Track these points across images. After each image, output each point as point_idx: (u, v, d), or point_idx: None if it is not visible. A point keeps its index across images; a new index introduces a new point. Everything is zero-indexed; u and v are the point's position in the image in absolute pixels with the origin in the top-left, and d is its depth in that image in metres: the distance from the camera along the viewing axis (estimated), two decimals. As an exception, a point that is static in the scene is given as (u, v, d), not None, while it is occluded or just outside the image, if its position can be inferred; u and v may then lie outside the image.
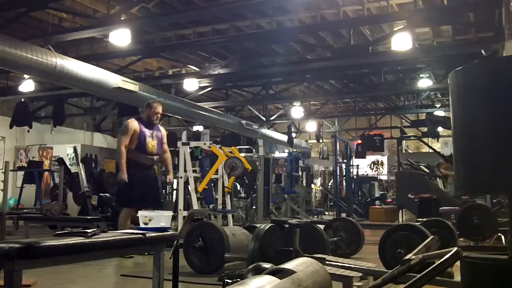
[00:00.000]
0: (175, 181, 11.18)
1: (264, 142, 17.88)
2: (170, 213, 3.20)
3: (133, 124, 5.58)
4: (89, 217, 7.03)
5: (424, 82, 11.75)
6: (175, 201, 9.64)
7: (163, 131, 5.99)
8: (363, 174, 17.71)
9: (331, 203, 16.27)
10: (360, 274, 3.45)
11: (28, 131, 13.03)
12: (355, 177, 15.48)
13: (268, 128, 16.46)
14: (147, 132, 5.61)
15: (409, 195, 9.23)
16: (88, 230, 2.54)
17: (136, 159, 5.50)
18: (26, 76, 9.76)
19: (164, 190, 12.86)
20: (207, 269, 4.25)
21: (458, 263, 1.68)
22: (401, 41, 7.70)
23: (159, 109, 5.83)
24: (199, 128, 15.31)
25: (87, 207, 8.27)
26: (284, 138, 16.30)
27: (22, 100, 11.88)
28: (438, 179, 11.46)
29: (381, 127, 17.66)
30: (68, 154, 12.51)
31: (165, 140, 5.97)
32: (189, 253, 4.36)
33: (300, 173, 13.93)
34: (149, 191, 5.63)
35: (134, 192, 5.42)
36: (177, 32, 9.50)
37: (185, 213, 7.35)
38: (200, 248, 4.31)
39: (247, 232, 4.72)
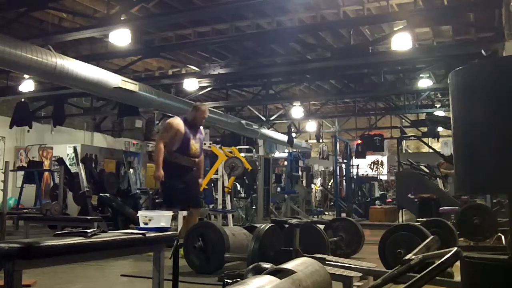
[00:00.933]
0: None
1: (264, 142, 17.89)
2: (170, 213, 3.21)
3: (178, 123, 5.37)
4: (89, 217, 7.02)
5: (424, 82, 11.75)
6: (175, 201, 9.62)
7: (203, 133, 5.87)
8: (363, 174, 17.70)
9: (331, 203, 16.26)
10: (360, 274, 3.44)
11: (28, 131, 13.03)
12: (355, 177, 15.47)
13: (268, 128, 16.47)
14: (191, 134, 5.41)
15: (409, 195, 9.23)
16: (88, 230, 2.55)
17: (177, 161, 5.34)
18: (26, 76, 9.76)
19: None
20: (207, 269, 4.26)
21: (458, 263, 1.68)
22: (401, 41, 7.70)
23: (207, 113, 5.70)
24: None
25: (87, 207, 8.27)
26: (284, 138, 16.31)
27: (22, 100, 11.88)
28: (438, 179, 11.46)
29: (381, 127, 17.66)
30: (68, 154, 12.50)
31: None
32: (189, 253, 4.36)
33: (300, 173, 13.94)
34: (192, 192, 5.54)
35: (177, 194, 5.34)
36: (177, 32, 9.50)
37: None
38: (200, 248, 4.31)
39: (247, 232, 4.72)
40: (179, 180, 5.34)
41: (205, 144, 9.68)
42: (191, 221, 5.41)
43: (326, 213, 15.26)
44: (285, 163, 14.36)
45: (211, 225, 4.62)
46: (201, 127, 5.78)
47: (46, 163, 12.98)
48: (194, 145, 5.45)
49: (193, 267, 4.34)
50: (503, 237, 6.12)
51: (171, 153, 5.31)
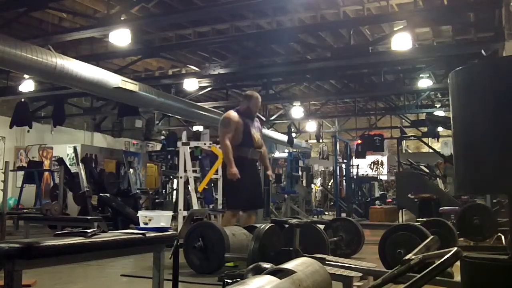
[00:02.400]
0: (175, 181, 11.20)
1: (264, 142, 17.88)
2: (170, 213, 3.20)
3: (235, 115, 5.10)
4: (89, 217, 7.02)
5: (424, 82, 11.75)
6: (175, 201, 9.64)
7: (259, 121, 5.53)
8: (363, 174, 17.70)
9: (331, 203, 16.27)
10: (360, 274, 3.44)
11: (28, 131, 13.03)
12: (355, 177, 15.48)
13: (268, 128, 16.46)
14: (250, 125, 5.13)
15: (409, 195, 9.22)
16: (88, 230, 2.54)
17: (244, 155, 5.06)
18: (26, 76, 9.76)
19: (164, 190, 12.87)
20: (207, 269, 4.25)
21: (458, 263, 1.68)
22: (401, 41, 7.71)
23: (260, 100, 5.36)
24: (199, 128, 15.31)
25: (87, 207, 8.27)
26: (284, 138, 16.31)
27: (22, 100, 11.88)
28: (438, 179, 11.46)
29: (381, 127, 17.66)
30: (68, 154, 12.50)
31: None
32: (189, 253, 4.36)
33: (300, 173, 13.94)
34: (259, 191, 5.35)
35: (245, 193, 5.02)
36: (177, 32, 9.50)
37: (185, 213, 7.34)
38: (200, 248, 4.31)
39: (247, 232, 4.71)
40: (247, 178, 5.04)
41: (205, 144, 9.71)
42: (249, 222, 5.11)
43: (326, 213, 15.26)
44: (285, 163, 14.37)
45: (211, 225, 4.62)
46: (257, 116, 5.52)
47: (46, 163, 12.99)
48: (256, 134, 5.20)
49: (193, 267, 4.34)
50: (503, 237, 6.12)
51: (236, 148, 5.03)
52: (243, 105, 5.27)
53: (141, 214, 3.13)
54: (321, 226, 4.98)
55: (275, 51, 10.77)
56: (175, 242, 2.86)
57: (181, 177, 8.09)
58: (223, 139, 5.02)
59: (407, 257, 1.85)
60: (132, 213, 8.14)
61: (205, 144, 9.70)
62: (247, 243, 4.12)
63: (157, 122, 15.41)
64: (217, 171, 8.93)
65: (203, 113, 11.98)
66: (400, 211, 10.74)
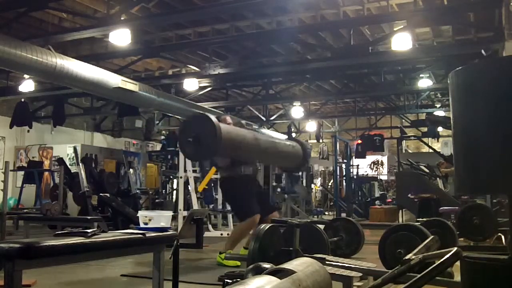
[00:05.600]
0: (175, 181, 11.20)
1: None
2: (170, 213, 3.21)
3: None
4: (89, 217, 7.02)
5: (424, 82, 11.75)
6: (175, 201, 9.65)
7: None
8: (363, 174, 17.70)
9: (331, 203, 16.27)
10: (360, 274, 3.44)
11: (28, 131, 13.03)
12: (355, 177, 15.48)
13: (268, 128, 16.46)
14: None
15: (409, 195, 9.23)
16: (88, 230, 2.55)
17: (238, 174, 5.16)
18: (26, 76, 9.76)
19: (164, 190, 12.87)
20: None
21: (458, 263, 1.68)
22: (401, 41, 7.70)
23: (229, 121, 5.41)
24: (199, 128, 15.28)
25: (87, 207, 8.27)
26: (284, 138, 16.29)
27: (22, 100, 11.88)
28: (438, 179, 11.46)
29: (381, 127, 17.66)
30: (68, 154, 12.51)
31: None
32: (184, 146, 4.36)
33: (300, 173, 13.93)
34: (266, 196, 5.47)
35: (254, 199, 5.10)
36: (177, 32, 9.50)
37: (185, 213, 7.35)
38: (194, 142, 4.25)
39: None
40: (249, 189, 5.12)
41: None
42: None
43: (326, 213, 15.26)
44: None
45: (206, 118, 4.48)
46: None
47: (46, 163, 12.99)
48: None
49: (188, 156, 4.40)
50: (503, 237, 6.12)
51: (229, 168, 5.15)
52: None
53: (141, 214, 3.13)
54: (321, 226, 4.99)
55: (275, 51, 10.77)
56: (175, 242, 2.86)
57: (181, 177, 8.10)
58: None
59: (407, 257, 1.85)
60: (132, 213, 8.14)
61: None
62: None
63: (157, 122, 15.41)
64: (217, 171, 8.94)
65: (203, 113, 11.96)
66: (400, 211, 10.74)
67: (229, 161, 5.13)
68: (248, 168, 5.23)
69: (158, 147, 17.15)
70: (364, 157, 16.44)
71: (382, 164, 20.71)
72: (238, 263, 4.66)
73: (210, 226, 8.73)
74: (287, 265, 1.94)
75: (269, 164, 5.55)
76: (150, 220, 3.00)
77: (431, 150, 12.20)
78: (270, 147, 5.14)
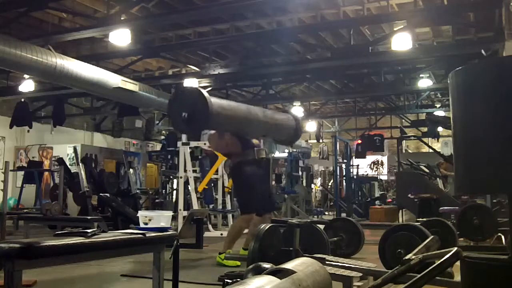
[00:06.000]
0: (175, 181, 11.20)
1: (264, 142, 17.88)
2: (170, 213, 3.21)
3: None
4: (89, 217, 7.02)
5: (424, 82, 11.75)
6: (175, 201, 9.65)
7: None
8: (363, 174, 17.70)
9: (331, 203, 16.27)
10: (360, 274, 3.44)
11: (28, 131, 13.03)
12: (355, 177, 15.48)
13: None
14: None
15: (409, 195, 9.22)
16: (88, 230, 2.54)
17: (252, 157, 5.08)
18: (26, 76, 9.76)
19: (164, 190, 12.87)
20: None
21: (458, 263, 1.68)
22: (401, 41, 7.71)
23: None
24: (199, 128, 15.29)
25: (87, 207, 8.28)
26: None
27: (22, 100, 11.88)
28: (438, 179, 11.46)
29: (381, 127, 17.66)
30: (68, 154, 12.51)
31: None
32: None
33: (300, 173, 13.94)
34: (270, 194, 5.37)
35: (258, 197, 5.00)
36: (177, 32, 9.50)
37: (185, 213, 7.35)
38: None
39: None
40: (258, 181, 5.07)
41: (205, 144, 9.70)
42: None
43: (326, 213, 15.26)
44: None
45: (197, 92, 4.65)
46: None
47: (46, 163, 12.99)
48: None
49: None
50: (503, 237, 6.12)
51: (240, 155, 5.08)
52: None
53: (141, 214, 3.13)
54: (321, 226, 4.99)
55: (275, 51, 10.77)
56: (175, 242, 2.86)
57: (181, 177, 8.10)
58: (224, 142, 5.06)
59: (407, 257, 1.85)
60: (132, 213, 8.14)
61: (205, 144, 9.70)
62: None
63: (157, 122, 15.40)
64: (217, 171, 8.94)
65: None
66: (400, 211, 10.74)
67: (240, 148, 5.07)
68: (259, 151, 5.19)
69: (158, 147, 17.15)
70: (364, 157, 16.43)
71: (382, 164, 20.71)
72: (238, 263, 4.66)
73: (210, 226, 8.73)
74: (287, 265, 1.94)
75: (263, 135, 5.50)
76: (150, 220, 3.00)
77: (431, 150, 12.19)
78: (263, 117, 5.19)
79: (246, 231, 5.18)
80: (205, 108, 4.34)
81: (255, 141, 5.30)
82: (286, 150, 16.72)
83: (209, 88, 12.03)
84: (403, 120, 17.00)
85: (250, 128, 5.10)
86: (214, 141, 5.31)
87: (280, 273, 1.82)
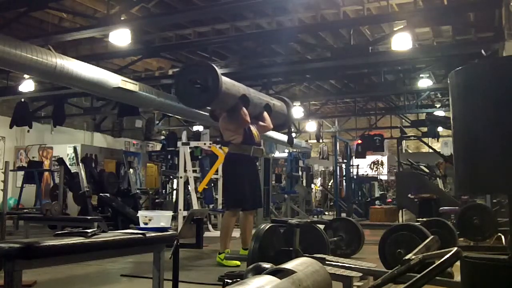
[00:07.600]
0: (175, 181, 11.21)
1: (264, 142, 17.89)
2: (170, 213, 3.21)
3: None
4: (89, 217, 7.02)
5: (424, 82, 11.75)
6: (175, 201, 9.65)
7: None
8: (363, 174, 17.70)
9: (331, 203, 16.27)
10: (360, 274, 3.44)
11: (28, 131, 13.03)
12: (355, 177, 15.48)
13: (268, 128, 16.43)
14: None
15: (409, 195, 9.23)
16: (88, 230, 2.54)
17: (247, 153, 5.10)
18: (26, 76, 9.76)
19: (164, 190, 12.87)
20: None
21: (458, 263, 1.68)
22: (401, 41, 7.70)
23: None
24: (199, 128, 15.31)
25: (87, 207, 8.27)
26: (284, 138, 16.29)
27: (22, 100, 11.88)
28: (438, 179, 11.45)
29: (381, 127, 17.66)
30: (68, 154, 12.51)
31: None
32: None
33: (300, 173, 13.94)
34: (258, 190, 5.37)
35: (245, 193, 5.04)
36: (177, 32, 9.50)
37: (185, 213, 7.35)
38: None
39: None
40: (247, 178, 5.09)
41: (205, 144, 9.71)
42: (248, 223, 5.20)
43: (326, 213, 15.26)
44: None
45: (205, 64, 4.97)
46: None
47: (46, 163, 12.99)
48: (255, 131, 5.27)
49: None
50: (503, 237, 6.13)
51: (238, 146, 5.08)
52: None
53: (141, 214, 3.13)
54: (321, 226, 4.99)
55: (275, 51, 10.77)
56: (175, 242, 2.86)
57: (181, 177, 8.10)
58: (233, 126, 5.11)
59: (407, 257, 1.86)
60: (132, 213, 8.14)
61: (205, 144, 9.71)
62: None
63: (157, 122, 15.40)
64: (217, 171, 8.94)
65: (203, 113, 11.95)
66: (400, 211, 10.74)
67: (241, 140, 5.09)
68: (257, 150, 5.22)
69: (158, 147, 17.15)
70: (364, 157, 16.44)
71: (382, 164, 20.71)
72: (238, 263, 4.67)
73: (210, 226, 8.74)
74: (287, 265, 1.94)
75: (257, 116, 5.57)
76: (150, 220, 3.00)
77: (431, 150, 12.19)
78: (259, 100, 5.55)
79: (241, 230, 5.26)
80: (216, 82, 4.65)
81: (257, 139, 5.31)
82: (286, 150, 16.74)
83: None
84: (403, 120, 17.00)
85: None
86: (225, 122, 5.26)
87: (280, 273, 1.82)
